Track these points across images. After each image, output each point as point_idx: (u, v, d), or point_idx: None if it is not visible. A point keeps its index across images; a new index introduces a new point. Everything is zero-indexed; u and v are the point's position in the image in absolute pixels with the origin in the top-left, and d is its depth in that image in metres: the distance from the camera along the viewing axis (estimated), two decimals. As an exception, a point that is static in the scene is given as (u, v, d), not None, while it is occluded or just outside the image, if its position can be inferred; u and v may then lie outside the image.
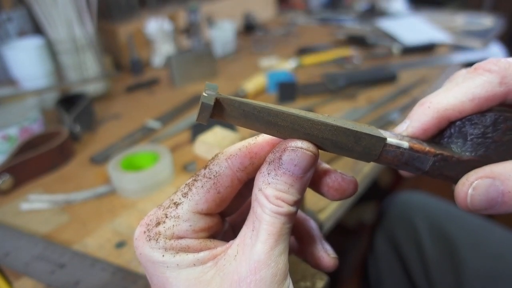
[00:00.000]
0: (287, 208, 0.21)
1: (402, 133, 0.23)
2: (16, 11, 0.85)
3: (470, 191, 0.21)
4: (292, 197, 0.21)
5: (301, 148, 0.20)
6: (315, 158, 0.21)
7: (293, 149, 0.20)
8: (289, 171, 0.21)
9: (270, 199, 0.20)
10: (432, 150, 0.22)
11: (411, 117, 0.23)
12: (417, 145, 0.22)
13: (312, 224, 0.28)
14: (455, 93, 0.22)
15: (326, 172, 0.24)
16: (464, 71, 0.25)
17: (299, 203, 0.22)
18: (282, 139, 0.21)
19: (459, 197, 0.21)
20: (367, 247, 0.74)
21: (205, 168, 0.23)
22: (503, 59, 0.22)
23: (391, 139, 0.21)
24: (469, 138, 0.22)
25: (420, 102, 0.23)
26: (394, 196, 0.71)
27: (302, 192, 0.22)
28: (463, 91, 0.22)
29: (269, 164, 0.21)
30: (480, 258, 0.53)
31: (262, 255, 0.20)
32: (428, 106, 0.23)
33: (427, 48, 1.04)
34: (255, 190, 0.21)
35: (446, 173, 0.22)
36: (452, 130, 0.23)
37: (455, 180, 0.22)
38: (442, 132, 0.23)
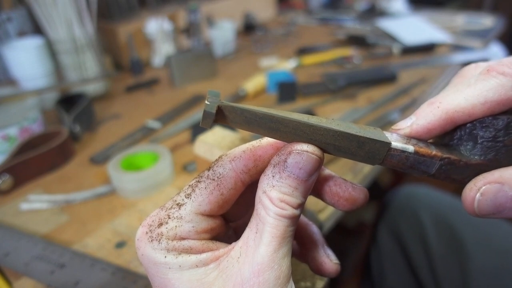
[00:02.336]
0: (291, 211, 0.21)
1: (405, 129, 0.23)
2: (16, 11, 0.84)
3: (477, 196, 0.20)
4: (296, 200, 0.21)
5: (307, 151, 0.20)
6: (320, 162, 0.21)
7: (298, 152, 0.20)
8: (293, 174, 0.20)
9: (274, 202, 0.20)
10: (439, 154, 0.21)
11: (417, 114, 0.22)
12: (423, 149, 0.21)
13: (315, 229, 0.28)
14: (467, 95, 0.21)
15: (336, 182, 0.24)
16: (473, 66, 0.24)
17: (303, 206, 0.22)
18: (286, 142, 0.21)
19: (466, 202, 0.21)
20: (369, 241, 0.72)
21: (208, 170, 0.23)
22: None
23: (396, 143, 0.21)
24: (479, 141, 0.21)
25: (430, 101, 0.23)
26: (398, 188, 0.70)
27: (306, 195, 0.21)
28: (476, 93, 0.21)
29: (273, 166, 0.21)
30: (487, 253, 0.52)
31: (265, 257, 0.20)
32: (438, 106, 0.22)
33: (427, 48, 1.04)
34: (259, 193, 0.21)
35: (454, 176, 0.22)
36: (462, 132, 0.22)
37: (463, 183, 0.22)
38: (451, 134, 0.23)
